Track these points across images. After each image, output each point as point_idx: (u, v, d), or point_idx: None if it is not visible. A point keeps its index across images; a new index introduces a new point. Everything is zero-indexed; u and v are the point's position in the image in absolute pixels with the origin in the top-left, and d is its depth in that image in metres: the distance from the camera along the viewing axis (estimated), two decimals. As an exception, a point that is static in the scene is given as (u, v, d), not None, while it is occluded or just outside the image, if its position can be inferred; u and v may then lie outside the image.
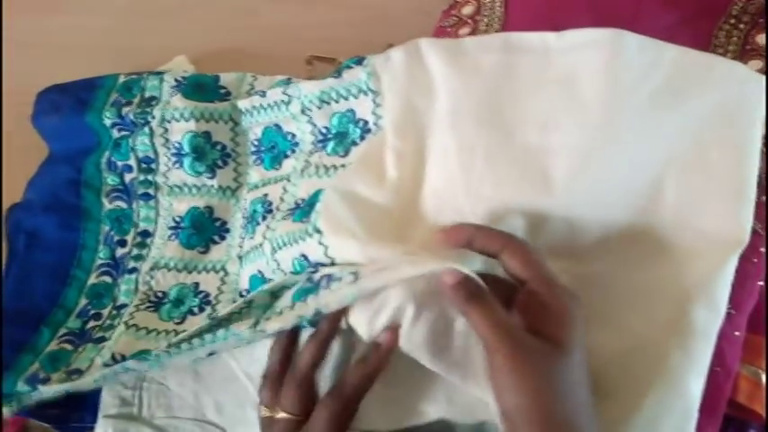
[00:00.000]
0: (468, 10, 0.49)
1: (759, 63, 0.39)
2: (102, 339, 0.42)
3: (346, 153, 0.40)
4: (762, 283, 0.34)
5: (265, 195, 0.44)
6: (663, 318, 0.33)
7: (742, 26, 0.41)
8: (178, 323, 0.43)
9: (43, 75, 0.51)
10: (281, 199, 0.43)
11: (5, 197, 0.49)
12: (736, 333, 0.32)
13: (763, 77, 0.35)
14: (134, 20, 0.58)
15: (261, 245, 0.41)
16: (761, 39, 0.40)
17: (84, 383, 0.38)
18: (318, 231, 0.36)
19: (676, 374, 0.31)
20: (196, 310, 0.43)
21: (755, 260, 0.34)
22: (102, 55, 0.55)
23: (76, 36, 0.57)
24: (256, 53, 0.54)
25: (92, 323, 0.43)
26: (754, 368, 0.33)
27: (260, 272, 0.41)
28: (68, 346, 0.42)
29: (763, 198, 0.35)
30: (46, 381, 0.40)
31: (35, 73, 0.52)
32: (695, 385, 0.31)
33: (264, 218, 0.43)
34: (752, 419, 0.34)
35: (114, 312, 0.43)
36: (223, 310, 0.42)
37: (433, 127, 0.38)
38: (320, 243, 0.36)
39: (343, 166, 0.40)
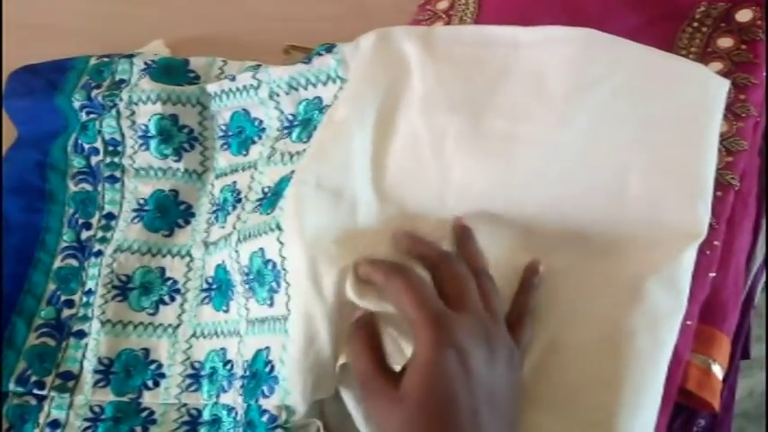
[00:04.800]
0: (442, 5, 0.49)
1: (719, 65, 0.40)
2: (82, 334, 0.42)
3: (309, 138, 0.40)
4: (713, 274, 0.34)
5: (234, 183, 0.44)
6: (628, 306, 0.33)
7: (704, 29, 0.42)
8: (152, 314, 0.43)
9: (17, 55, 0.51)
10: (249, 187, 0.43)
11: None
12: (688, 322, 0.33)
13: (723, 79, 0.36)
14: (114, 3, 0.57)
15: (230, 235, 0.41)
16: (722, 42, 0.41)
17: None
18: (279, 228, 0.36)
19: (647, 359, 0.32)
20: (167, 299, 0.43)
21: (708, 252, 0.34)
22: (79, 37, 0.54)
23: (54, 16, 0.56)
24: (234, 41, 0.54)
25: (66, 312, 0.43)
26: (703, 357, 0.34)
27: (223, 262, 0.42)
28: (50, 341, 0.42)
29: (719, 193, 0.36)
30: (41, 385, 0.40)
31: (17, 53, 0.52)
32: (662, 370, 0.32)
33: (234, 207, 0.43)
34: (701, 408, 0.34)
35: (85, 300, 0.43)
36: (192, 297, 0.43)
37: (403, 110, 0.39)
38: (278, 240, 0.36)
39: (305, 151, 0.40)
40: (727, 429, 0.37)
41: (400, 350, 0.34)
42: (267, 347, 0.37)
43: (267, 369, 0.36)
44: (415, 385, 0.28)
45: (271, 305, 0.37)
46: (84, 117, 0.47)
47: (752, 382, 0.50)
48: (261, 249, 0.38)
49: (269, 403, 0.36)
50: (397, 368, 0.31)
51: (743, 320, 0.37)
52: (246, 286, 0.39)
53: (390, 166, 0.38)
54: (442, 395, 0.28)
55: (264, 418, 0.36)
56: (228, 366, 0.40)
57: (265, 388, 0.36)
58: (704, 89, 0.36)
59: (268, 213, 0.39)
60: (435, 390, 0.28)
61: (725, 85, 0.36)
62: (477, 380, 0.28)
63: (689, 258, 0.33)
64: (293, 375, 0.35)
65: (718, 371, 0.34)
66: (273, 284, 0.37)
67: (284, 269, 0.36)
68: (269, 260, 0.37)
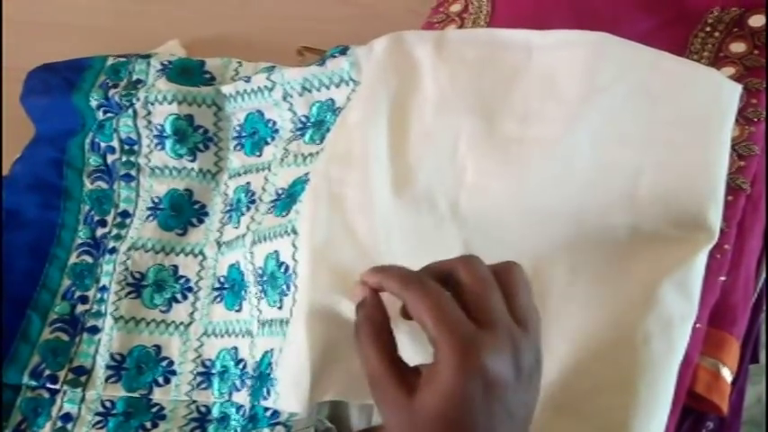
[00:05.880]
0: (455, 7, 0.50)
1: (731, 70, 0.40)
2: (95, 329, 0.43)
3: (322, 140, 0.41)
4: (723, 278, 0.34)
5: (248, 184, 0.45)
6: (642, 310, 0.33)
7: (717, 34, 0.42)
8: (164, 311, 0.44)
9: (37, 53, 0.52)
10: (263, 189, 0.43)
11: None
12: (698, 325, 0.33)
13: (736, 84, 0.36)
14: (131, 2, 0.58)
15: (244, 235, 0.41)
16: (735, 47, 0.41)
17: None
18: (295, 232, 0.37)
19: (661, 364, 0.32)
20: (179, 297, 0.44)
21: (718, 256, 0.34)
22: (96, 35, 0.55)
23: (72, 15, 0.58)
24: (249, 42, 0.55)
25: (80, 307, 0.44)
26: (713, 360, 0.34)
27: (237, 262, 0.42)
28: (64, 336, 0.43)
29: (730, 198, 0.36)
30: (54, 379, 0.41)
31: (28, 51, 0.53)
32: (675, 374, 0.32)
33: (248, 208, 0.43)
34: (710, 411, 0.34)
35: (99, 296, 0.44)
36: (204, 296, 0.43)
37: (416, 112, 0.39)
38: (293, 244, 0.37)
39: (318, 153, 0.40)
40: (736, 432, 0.37)
41: (413, 340, 0.32)
42: (272, 349, 0.37)
43: (268, 371, 0.37)
44: (434, 406, 0.26)
45: (280, 308, 0.38)
46: (100, 116, 0.48)
47: (760, 389, 0.50)
48: (276, 252, 0.38)
49: (267, 404, 0.36)
50: (411, 362, 0.29)
51: (752, 324, 0.37)
52: (259, 287, 0.40)
53: (406, 167, 0.39)
54: (462, 421, 0.26)
55: (268, 414, 0.36)
56: (241, 365, 0.40)
57: (265, 390, 0.37)
58: (716, 93, 0.36)
59: (283, 216, 0.39)
60: (455, 416, 0.26)
61: (737, 89, 0.36)
62: (499, 401, 0.26)
63: (701, 262, 0.33)
64: (282, 379, 0.35)
65: (727, 374, 0.34)
66: (284, 287, 0.38)
67: (295, 273, 0.37)
68: (282, 263, 0.38)
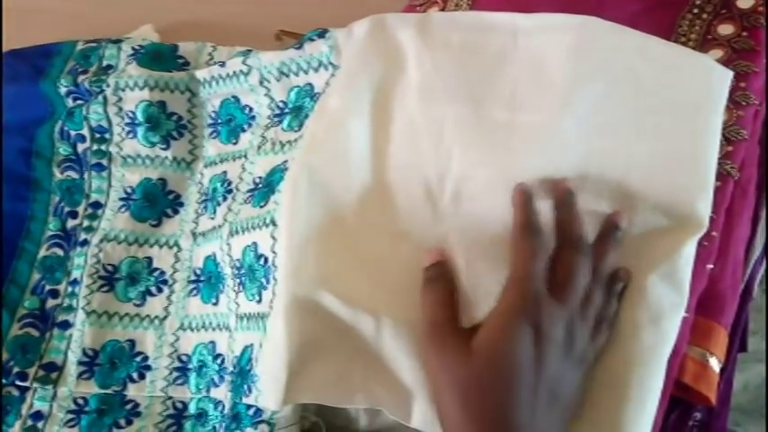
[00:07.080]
0: (437, -10, 0.48)
1: (719, 52, 0.39)
2: (67, 324, 0.41)
3: (301, 127, 0.39)
4: (711, 266, 0.34)
5: (224, 173, 0.43)
6: (631, 301, 0.33)
7: (705, 16, 0.41)
8: (138, 305, 0.42)
9: (6, 38, 0.50)
10: (240, 178, 0.42)
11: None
12: (685, 314, 0.32)
13: (726, 70, 0.35)
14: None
15: (221, 226, 0.40)
16: (723, 29, 0.40)
17: None
18: (274, 223, 0.36)
19: (652, 355, 0.31)
20: (154, 290, 0.43)
21: (706, 243, 0.34)
22: (68, 20, 0.53)
23: (46, 0, 0.55)
24: (225, 26, 0.53)
25: (50, 302, 0.42)
26: (701, 350, 0.33)
27: (214, 254, 0.41)
28: (34, 332, 0.41)
29: (718, 183, 0.35)
30: (23, 376, 0.40)
31: (9, 38, 0.51)
32: (664, 365, 0.32)
33: (225, 198, 0.42)
34: (697, 402, 0.34)
35: (70, 290, 0.42)
36: (180, 289, 0.42)
37: (399, 99, 0.38)
38: (271, 236, 0.36)
39: (296, 140, 0.39)
40: (724, 422, 0.36)
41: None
42: (252, 344, 0.36)
43: (248, 367, 0.36)
44: (485, 344, 0.28)
45: (259, 301, 0.37)
46: (70, 103, 0.46)
47: (747, 375, 0.49)
48: (254, 243, 0.37)
49: (249, 401, 0.35)
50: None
51: (741, 312, 0.36)
52: (237, 280, 0.38)
53: (390, 155, 0.37)
54: (510, 363, 0.28)
55: (250, 412, 0.35)
56: (219, 360, 0.39)
57: (246, 387, 0.35)
58: (707, 80, 0.35)
59: (261, 206, 0.38)
60: (503, 355, 0.28)
61: (728, 75, 0.35)
62: (545, 367, 0.28)
63: (689, 251, 0.33)
64: (261, 375, 0.34)
65: (715, 364, 0.33)
66: (263, 280, 0.36)
67: (275, 265, 0.35)
68: (261, 255, 0.37)
